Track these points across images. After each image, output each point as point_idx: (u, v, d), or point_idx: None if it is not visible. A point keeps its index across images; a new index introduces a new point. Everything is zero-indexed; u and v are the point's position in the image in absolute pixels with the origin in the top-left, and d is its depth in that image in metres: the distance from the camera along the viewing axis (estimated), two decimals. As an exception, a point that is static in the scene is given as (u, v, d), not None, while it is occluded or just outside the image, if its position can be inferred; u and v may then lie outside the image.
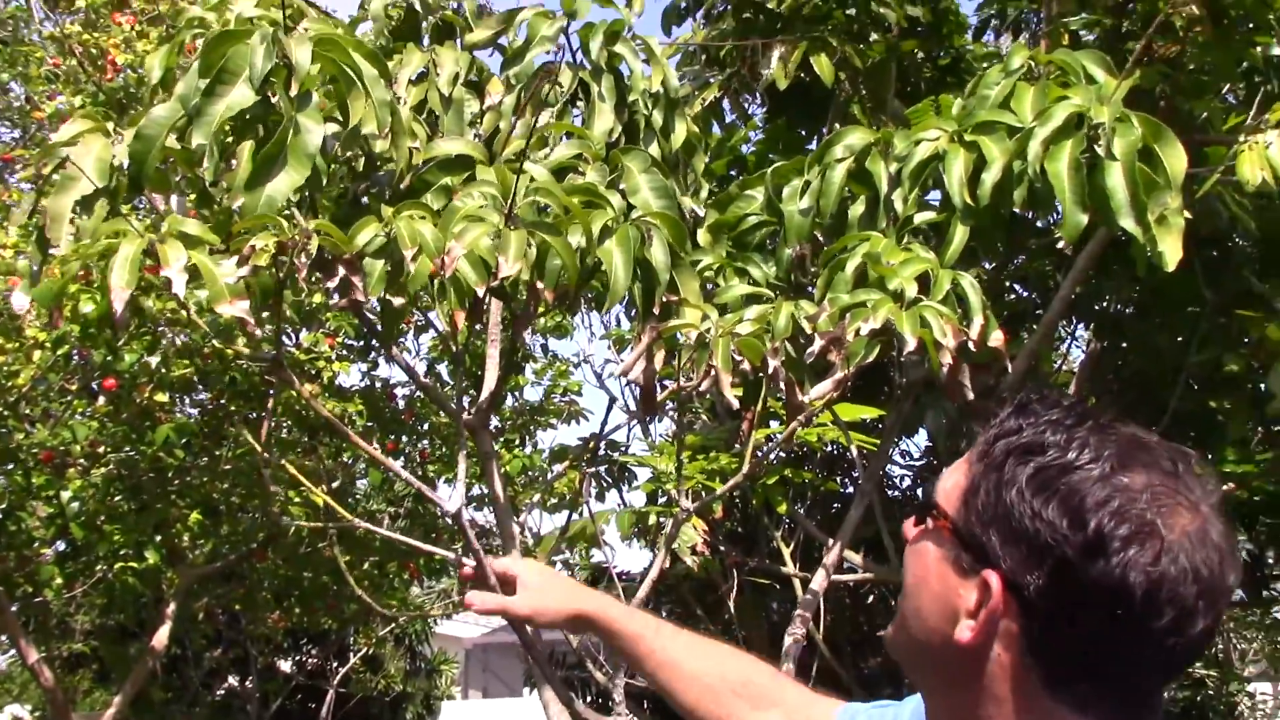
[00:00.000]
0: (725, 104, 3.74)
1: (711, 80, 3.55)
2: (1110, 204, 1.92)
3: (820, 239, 2.39)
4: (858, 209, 2.29)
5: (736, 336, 1.89)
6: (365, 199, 2.06)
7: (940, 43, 3.74)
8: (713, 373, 1.82)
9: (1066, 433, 0.78)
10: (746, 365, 1.97)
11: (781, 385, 1.95)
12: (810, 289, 2.41)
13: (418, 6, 2.34)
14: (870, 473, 2.75)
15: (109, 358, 3.96)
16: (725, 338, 1.82)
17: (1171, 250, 1.94)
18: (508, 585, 1.31)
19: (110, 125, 1.83)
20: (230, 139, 1.79)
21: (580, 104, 2.30)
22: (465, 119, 2.23)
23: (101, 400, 4.27)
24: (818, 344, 1.91)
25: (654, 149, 2.28)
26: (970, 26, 3.90)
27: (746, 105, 3.90)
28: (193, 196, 1.96)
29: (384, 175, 2.03)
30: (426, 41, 2.41)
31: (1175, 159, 1.96)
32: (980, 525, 0.79)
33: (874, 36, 3.36)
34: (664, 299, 1.87)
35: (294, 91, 1.68)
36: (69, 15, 5.05)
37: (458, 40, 2.39)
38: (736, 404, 1.80)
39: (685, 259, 1.90)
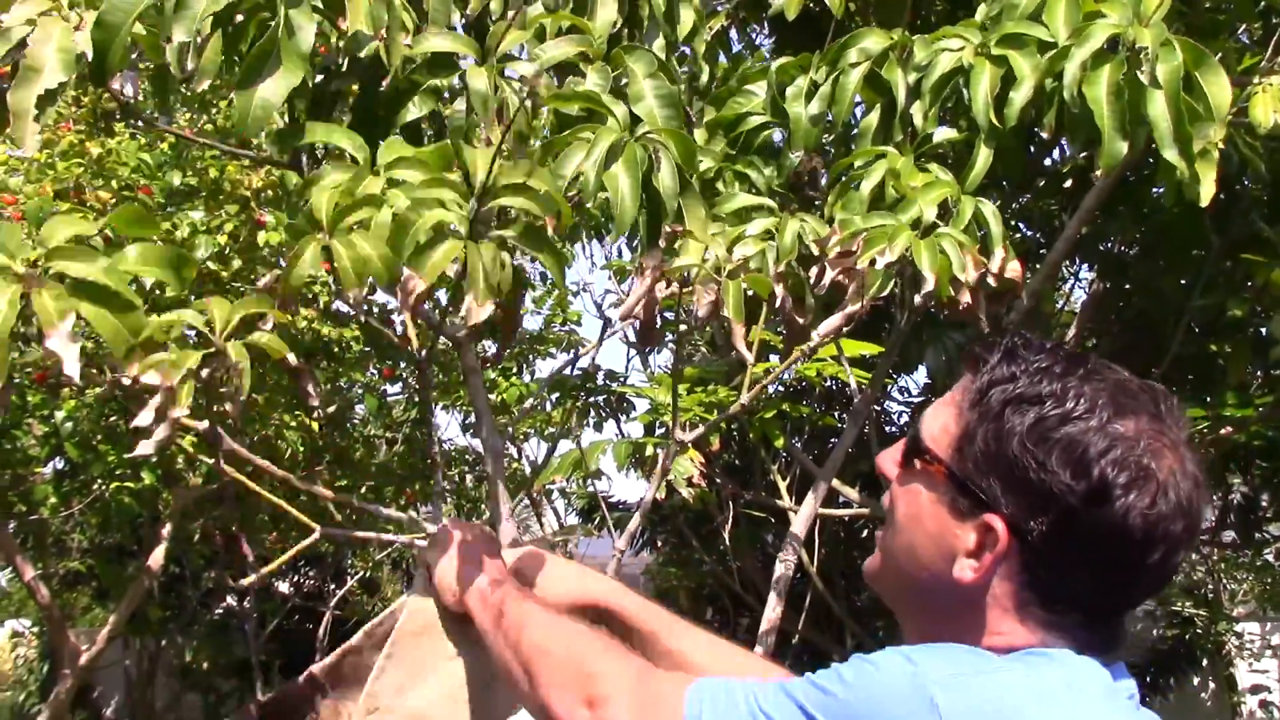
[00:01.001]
0: (733, 34, 3.59)
1: (719, 9, 3.38)
2: (1154, 133, 1.77)
3: (827, 147, 2.24)
4: (871, 120, 2.15)
5: (745, 271, 1.74)
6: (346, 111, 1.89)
7: None
8: (719, 309, 1.68)
9: (1060, 381, 0.83)
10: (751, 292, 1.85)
11: (787, 312, 1.82)
12: (816, 202, 2.27)
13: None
14: (862, 406, 2.63)
15: None
16: (735, 283, 1.67)
17: (1208, 185, 1.84)
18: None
19: (65, 3, 1.67)
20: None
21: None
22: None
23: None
24: (830, 274, 1.78)
25: (659, 41, 2.11)
26: None
27: (754, 36, 3.76)
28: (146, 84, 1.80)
29: (366, 69, 1.87)
30: None
31: (1219, 89, 1.85)
32: (979, 473, 0.83)
33: None
34: (669, 229, 1.72)
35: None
36: None
37: None
38: (751, 357, 1.67)
39: (693, 183, 1.75)
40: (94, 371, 1.91)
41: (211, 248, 3.62)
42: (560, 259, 1.62)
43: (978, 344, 0.90)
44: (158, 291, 3.63)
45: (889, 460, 0.92)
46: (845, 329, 1.92)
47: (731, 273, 1.75)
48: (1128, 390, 0.83)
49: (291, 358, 1.54)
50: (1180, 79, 1.84)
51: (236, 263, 3.82)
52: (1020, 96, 1.92)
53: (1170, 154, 1.84)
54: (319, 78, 1.92)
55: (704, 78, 2.17)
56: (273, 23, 1.58)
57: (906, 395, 5.37)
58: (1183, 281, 3.83)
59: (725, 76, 2.32)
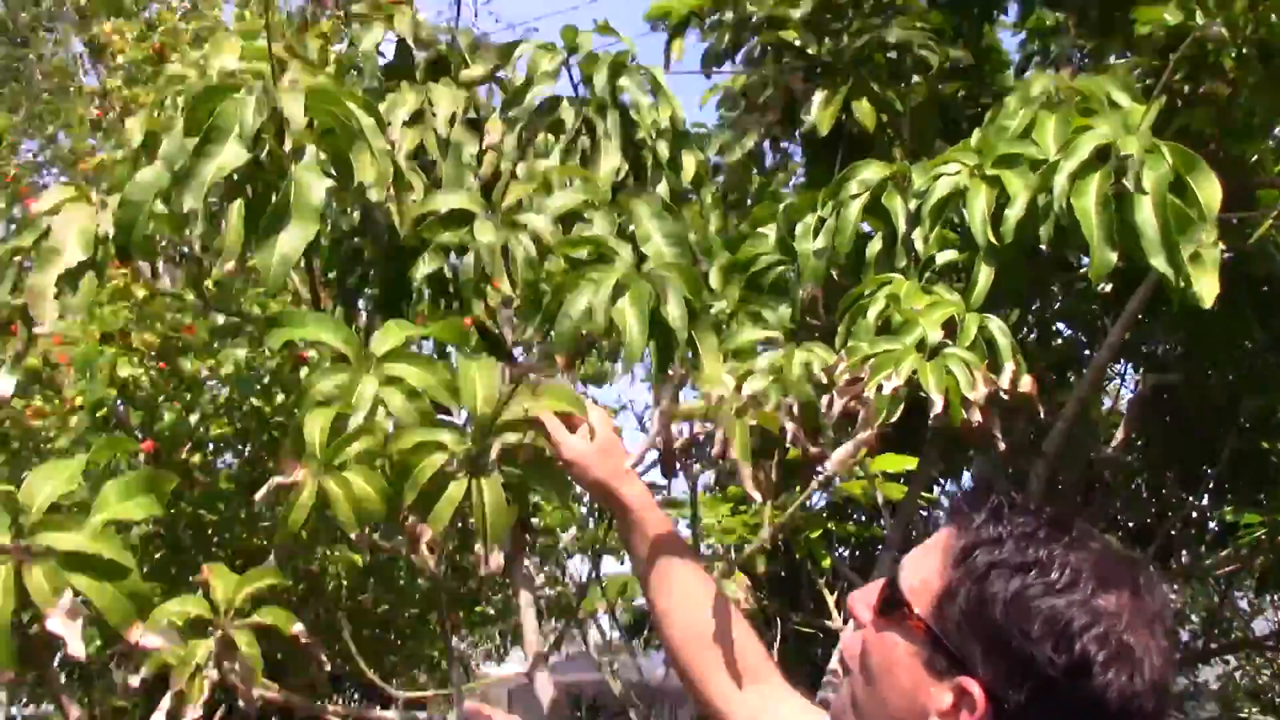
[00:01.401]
0: (766, 148, 3.71)
1: (752, 127, 3.49)
2: (1140, 241, 1.80)
3: (837, 279, 2.30)
4: (875, 247, 2.22)
5: (753, 407, 1.77)
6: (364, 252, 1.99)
7: (982, 81, 3.66)
8: (727, 450, 1.71)
9: (1045, 548, 0.84)
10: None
11: (799, 444, 1.84)
12: (827, 332, 2.31)
13: (410, 42, 2.29)
14: (898, 525, 2.62)
15: (147, 419, 3.97)
16: (741, 423, 1.70)
17: (1208, 288, 1.84)
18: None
19: (93, 192, 1.78)
20: (216, 203, 1.72)
21: (585, 139, 2.22)
22: (464, 161, 2.18)
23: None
24: (838, 404, 1.80)
25: (663, 185, 2.21)
26: (1012, 64, 3.83)
27: (787, 150, 3.86)
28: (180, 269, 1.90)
29: (380, 227, 1.96)
30: (420, 78, 2.34)
31: (1209, 190, 1.86)
32: (959, 634, 0.84)
33: (915, 79, 3.28)
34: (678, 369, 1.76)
35: (288, 146, 1.61)
36: (112, 69, 5.17)
37: (453, 76, 2.33)
38: (759, 497, 1.70)
39: (703, 314, 1.80)
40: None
41: (254, 385, 3.73)
42: (566, 491, 1.65)
43: (963, 497, 0.93)
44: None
45: (862, 603, 0.93)
46: (858, 456, 1.93)
47: (739, 410, 1.78)
48: (1111, 562, 0.85)
49: (299, 627, 1.54)
50: (1166, 185, 1.87)
51: (280, 398, 3.91)
52: (1014, 214, 1.97)
53: (1158, 260, 1.86)
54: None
55: (714, 222, 2.23)
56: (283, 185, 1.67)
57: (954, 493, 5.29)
58: (1230, 379, 3.78)
59: (759, 193, 2.40)
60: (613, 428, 1.44)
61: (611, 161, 2.11)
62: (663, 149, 2.20)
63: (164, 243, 1.91)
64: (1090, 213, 1.86)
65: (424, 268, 1.90)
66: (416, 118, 2.17)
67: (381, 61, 2.30)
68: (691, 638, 1.25)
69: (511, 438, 1.53)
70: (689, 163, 2.25)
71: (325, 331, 1.67)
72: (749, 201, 3.54)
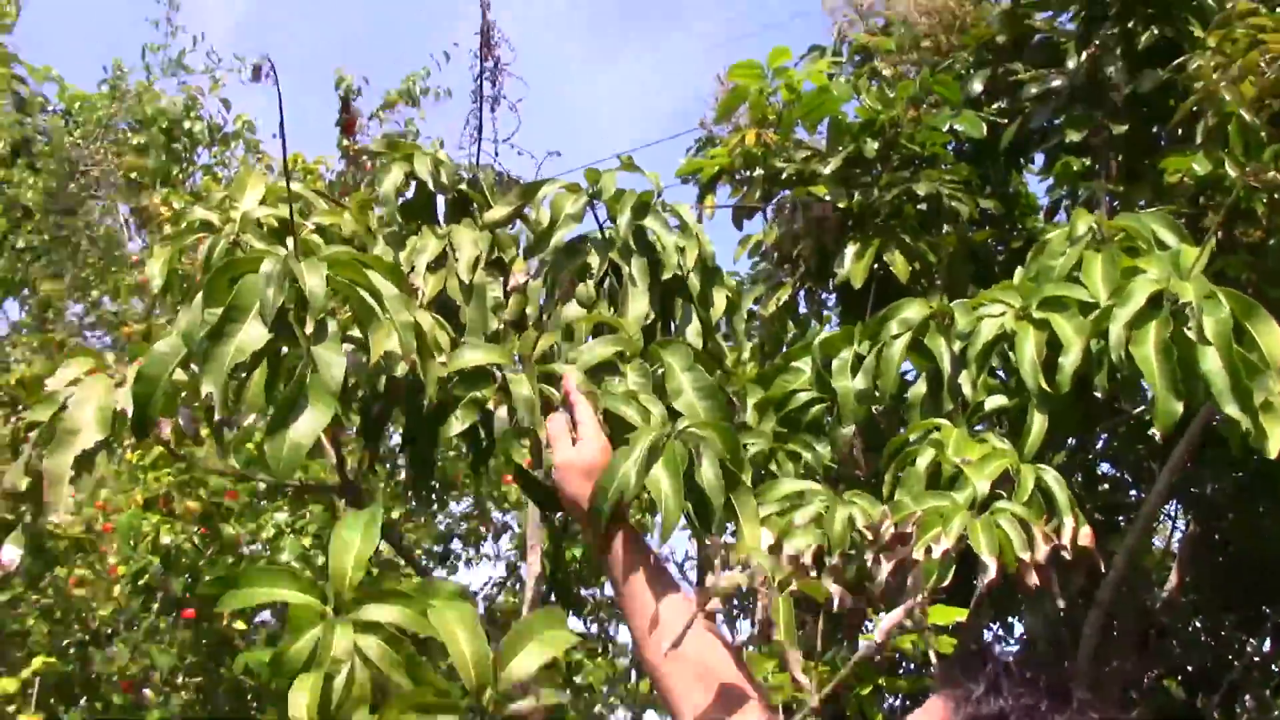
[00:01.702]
0: (800, 298, 3.82)
1: (784, 279, 3.54)
2: (1210, 390, 1.74)
3: (877, 419, 2.24)
4: (919, 390, 2.16)
5: (796, 571, 1.70)
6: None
7: (1012, 226, 3.69)
8: (769, 628, 1.63)
9: None
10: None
11: (845, 607, 1.76)
12: (865, 476, 2.26)
13: (430, 184, 2.26)
14: (945, 681, 2.53)
15: (189, 585, 3.96)
16: (786, 603, 1.62)
17: (1275, 439, 1.77)
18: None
19: (110, 358, 1.73)
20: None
21: (612, 279, 2.18)
22: (488, 305, 2.14)
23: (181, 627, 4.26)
24: (885, 568, 1.73)
25: (693, 326, 2.16)
26: (1041, 208, 3.88)
27: (822, 300, 3.93)
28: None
29: (403, 388, 1.91)
30: (441, 218, 2.34)
31: (1270, 337, 1.82)
32: None
33: (946, 228, 3.31)
34: (714, 545, 1.69)
35: (309, 327, 1.57)
36: (158, 236, 5.26)
37: (475, 216, 2.31)
38: (809, 684, 1.61)
39: (740, 477, 1.74)
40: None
41: (295, 550, 3.72)
42: None
43: (955, 663, 0.97)
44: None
45: None
46: (919, 613, 1.84)
47: (782, 583, 1.70)
48: None
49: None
50: (1230, 332, 1.82)
51: (320, 560, 3.91)
52: (1069, 362, 1.90)
53: (1231, 410, 1.80)
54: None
55: (745, 353, 2.18)
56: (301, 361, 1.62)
57: (1006, 644, 5.21)
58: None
59: (795, 343, 2.37)
60: (604, 446, 1.56)
61: (639, 307, 2.05)
62: (693, 284, 2.16)
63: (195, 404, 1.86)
64: (1152, 361, 1.81)
65: (456, 425, 1.84)
66: (439, 261, 2.14)
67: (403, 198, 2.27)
68: (669, 660, 1.35)
69: (521, 706, 1.44)
70: (719, 298, 2.19)
71: (285, 587, 1.50)
72: (783, 349, 3.55)
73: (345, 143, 6.18)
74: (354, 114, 6.25)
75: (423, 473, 2.11)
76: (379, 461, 2.12)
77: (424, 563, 5.38)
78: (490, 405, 1.88)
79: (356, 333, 1.80)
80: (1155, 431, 1.89)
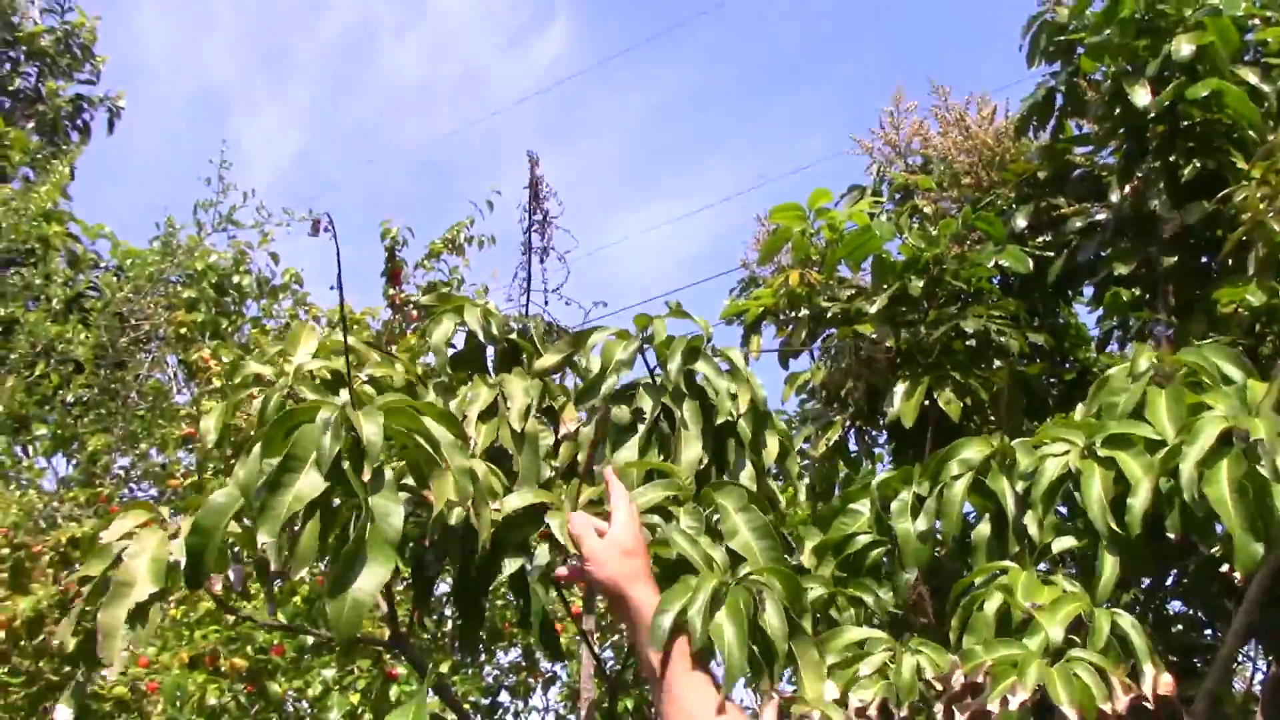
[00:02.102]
0: (850, 436, 3.80)
1: (834, 418, 3.55)
2: (1289, 532, 1.71)
3: (941, 562, 2.20)
4: (983, 531, 2.14)
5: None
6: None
7: (1063, 358, 3.70)
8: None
9: None
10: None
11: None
12: (931, 622, 2.21)
13: (481, 335, 2.31)
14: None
15: None
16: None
17: None
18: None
19: (166, 511, 1.75)
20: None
21: (664, 423, 2.19)
22: (540, 453, 2.16)
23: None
24: (958, 718, 1.67)
25: (747, 469, 2.16)
26: (1093, 339, 3.91)
27: (873, 438, 3.92)
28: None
29: (458, 534, 1.92)
30: (491, 367, 2.39)
31: None
32: None
33: (996, 363, 3.32)
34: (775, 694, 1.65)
35: (366, 475, 1.58)
36: (206, 392, 5.41)
37: (525, 365, 2.36)
38: None
39: (802, 623, 1.72)
40: None
41: (344, 708, 3.68)
42: None
43: None
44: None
45: None
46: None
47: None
48: None
49: None
50: (1305, 469, 1.79)
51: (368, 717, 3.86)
52: (1139, 502, 1.88)
53: (1316, 551, 1.75)
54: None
55: (800, 494, 2.17)
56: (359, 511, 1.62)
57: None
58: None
59: (846, 483, 2.36)
60: (638, 529, 1.57)
61: (692, 451, 2.07)
62: (744, 428, 2.17)
63: (246, 558, 1.87)
64: (1227, 502, 1.78)
65: (509, 567, 1.85)
66: (490, 410, 2.17)
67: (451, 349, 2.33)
68: None
69: None
70: (772, 442, 2.21)
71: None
72: (835, 492, 3.54)
73: (391, 292, 6.33)
74: (399, 264, 6.42)
75: (472, 622, 2.10)
76: (428, 612, 2.11)
77: (472, 716, 5.25)
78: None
79: (408, 480, 1.82)
80: (1236, 574, 1.85)
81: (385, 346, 2.33)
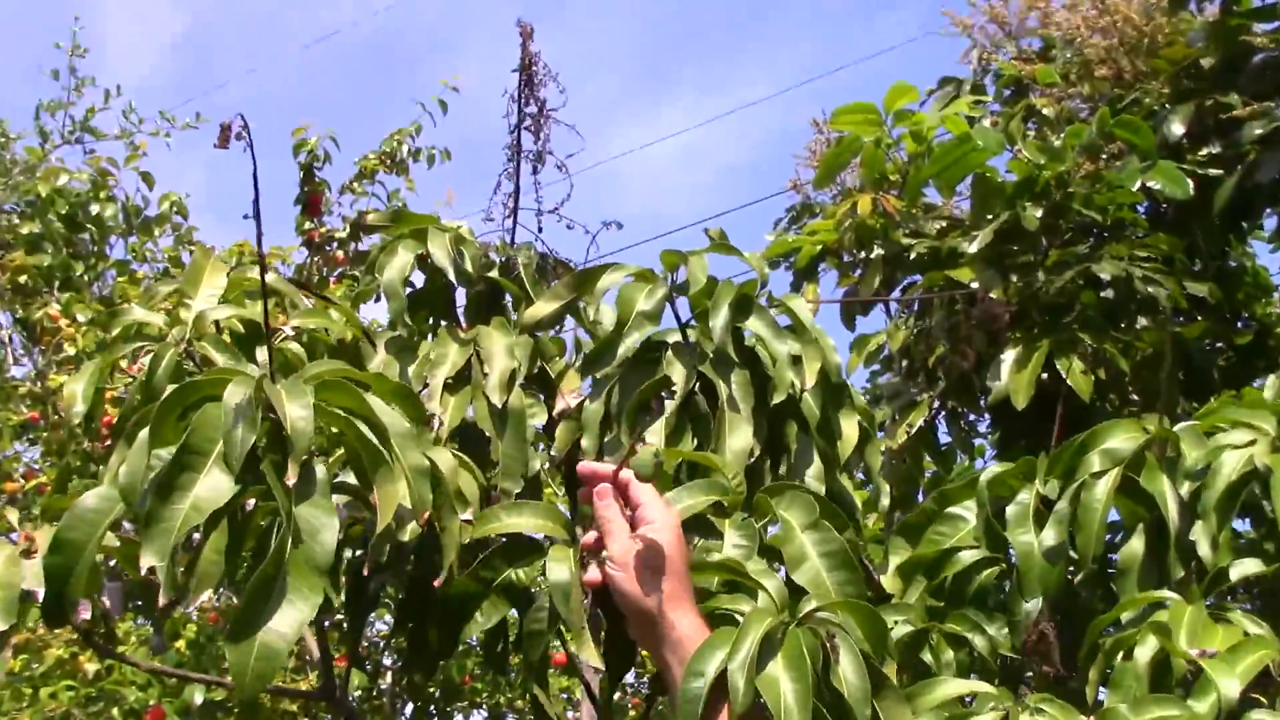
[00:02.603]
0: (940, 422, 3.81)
1: (917, 397, 3.51)
2: None
3: (1074, 589, 2.22)
4: (1134, 549, 2.12)
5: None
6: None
7: (1236, 315, 3.66)
8: None
9: None
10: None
11: None
12: (1059, 671, 2.20)
13: (450, 272, 2.28)
14: None
15: None
16: None
17: None
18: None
19: (15, 518, 1.73)
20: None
21: (701, 399, 2.16)
22: (528, 437, 2.13)
23: None
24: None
25: (814, 466, 2.14)
26: (1278, 288, 3.89)
27: (968, 428, 3.93)
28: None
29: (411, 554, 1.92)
30: (464, 317, 2.38)
31: None
32: None
33: (1142, 322, 3.29)
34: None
35: (291, 477, 1.53)
36: (53, 359, 5.33)
37: (510, 314, 2.35)
38: None
39: (887, 675, 1.69)
40: None
41: None
42: None
43: None
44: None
45: None
46: None
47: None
48: None
49: None
50: None
51: None
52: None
53: None
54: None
55: (884, 500, 2.16)
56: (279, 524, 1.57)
57: None
58: None
59: (934, 483, 2.34)
60: (679, 535, 1.64)
61: (741, 440, 2.03)
62: (811, 407, 2.15)
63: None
64: None
65: (481, 622, 1.83)
66: (462, 377, 2.15)
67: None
68: None
69: None
70: (848, 426, 2.18)
71: None
72: (919, 497, 3.53)
73: (308, 226, 6.27)
74: (318, 188, 6.36)
75: (423, 672, 2.08)
76: (360, 659, 2.10)
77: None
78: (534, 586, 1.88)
79: (347, 477, 1.79)
80: None
81: (321, 294, 2.29)
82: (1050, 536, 2.14)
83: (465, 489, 1.91)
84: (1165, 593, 2.00)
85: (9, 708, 3.63)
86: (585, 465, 1.71)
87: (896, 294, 3.90)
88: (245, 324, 2.15)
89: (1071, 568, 2.21)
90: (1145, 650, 1.91)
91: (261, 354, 2.07)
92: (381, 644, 6.34)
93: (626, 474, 1.69)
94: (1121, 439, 2.15)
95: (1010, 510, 2.24)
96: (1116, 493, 2.12)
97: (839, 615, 1.74)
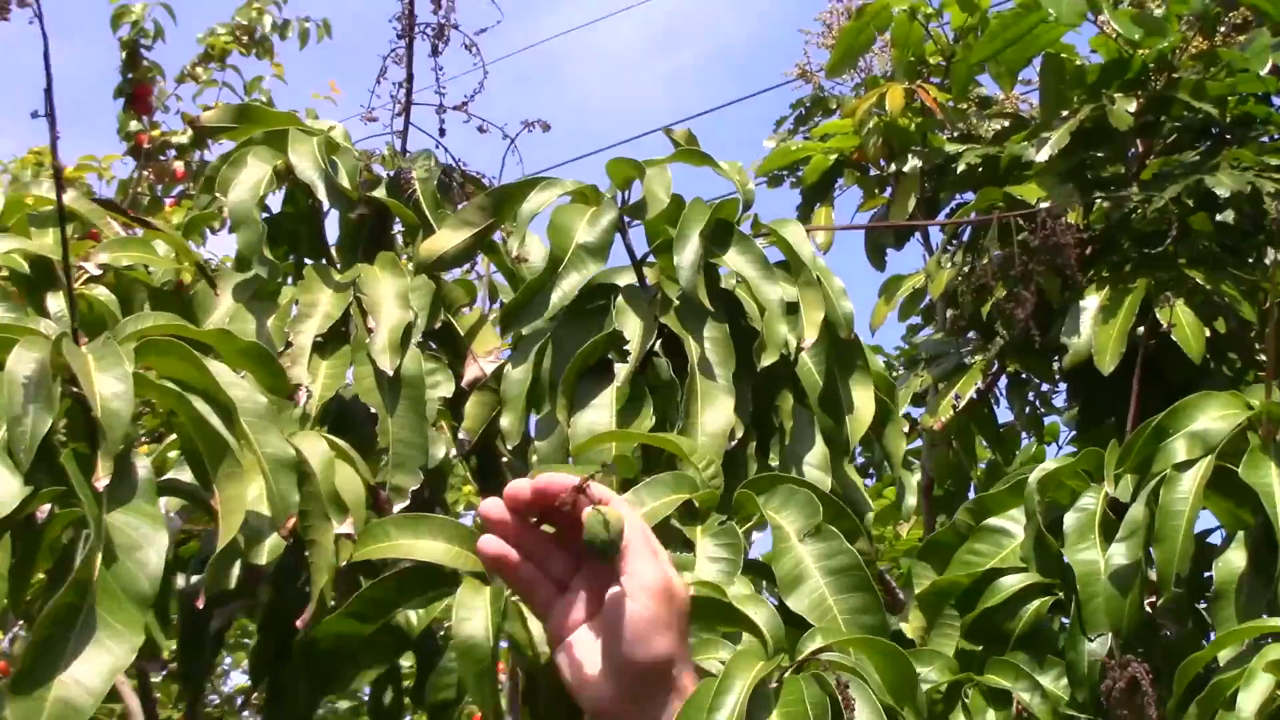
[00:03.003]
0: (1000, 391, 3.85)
1: (968, 359, 3.53)
2: None
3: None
4: (1233, 564, 2.15)
5: None
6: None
7: None
8: None
9: None
10: None
11: None
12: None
13: (320, 190, 2.30)
14: None
15: None
16: None
17: None
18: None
19: None
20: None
21: (664, 364, 2.23)
22: (427, 414, 2.17)
23: None
24: None
25: (816, 450, 2.17)
26: None
27: (1042, 402, 3.97)
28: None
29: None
30: (338, 253, 2.42)
31: None
32: None
33: (1274, 255, 3.30)
34: None
35: (102, 477, 1.55)
36: None
37: (401, 248, 2.42)
38: None
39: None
40: None
41: None
42: None
43: None
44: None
45: None
46: None
47: None
48: None
49: None
50: None
51: None
52: None
53: None
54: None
55: (910, 499, 2.19)
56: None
57: None
58: None
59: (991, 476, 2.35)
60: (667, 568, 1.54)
61: (718, 416, 2.06)
62: (811, 373, 2.18)
63: None
64: None
65: (367, 674, 1.87)
66: (337, 333, 2.17)
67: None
68: None
69: None
70: (863, 399, 2.22)
71: None
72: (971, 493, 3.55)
73: (135, 127, 6.22)
74: (147, 74, 6.31)
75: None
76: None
77: None
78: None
79: (182, 474, 1.81)
80: None
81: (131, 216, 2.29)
82: (1121, 553, 2.17)
83: (343, 489, 1.93)
84: (1277, 621, 2.03)
85: None
86: (545, 478, 1.52)
87: (939, 220, 3.91)
88: (32, 262, 2.13)
89: (1151, 597, 2.25)
90: (1252, 696, 1.94)
91: (57, 303, 2.06)
92: (240, 700, 6.36)
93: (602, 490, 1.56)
94: (1214, 417, 2.17)
95: (1069, 520, 2.26)
96: (1208, 490, 2.15)
97: (852, 656, 1.77)
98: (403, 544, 1.87)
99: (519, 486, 1.49)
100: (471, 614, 1.78)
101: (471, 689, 1.76)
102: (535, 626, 1.89)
